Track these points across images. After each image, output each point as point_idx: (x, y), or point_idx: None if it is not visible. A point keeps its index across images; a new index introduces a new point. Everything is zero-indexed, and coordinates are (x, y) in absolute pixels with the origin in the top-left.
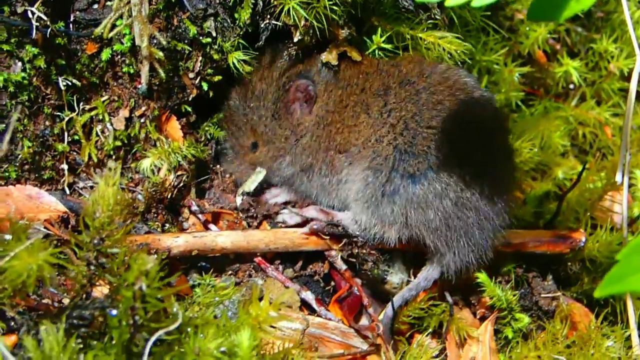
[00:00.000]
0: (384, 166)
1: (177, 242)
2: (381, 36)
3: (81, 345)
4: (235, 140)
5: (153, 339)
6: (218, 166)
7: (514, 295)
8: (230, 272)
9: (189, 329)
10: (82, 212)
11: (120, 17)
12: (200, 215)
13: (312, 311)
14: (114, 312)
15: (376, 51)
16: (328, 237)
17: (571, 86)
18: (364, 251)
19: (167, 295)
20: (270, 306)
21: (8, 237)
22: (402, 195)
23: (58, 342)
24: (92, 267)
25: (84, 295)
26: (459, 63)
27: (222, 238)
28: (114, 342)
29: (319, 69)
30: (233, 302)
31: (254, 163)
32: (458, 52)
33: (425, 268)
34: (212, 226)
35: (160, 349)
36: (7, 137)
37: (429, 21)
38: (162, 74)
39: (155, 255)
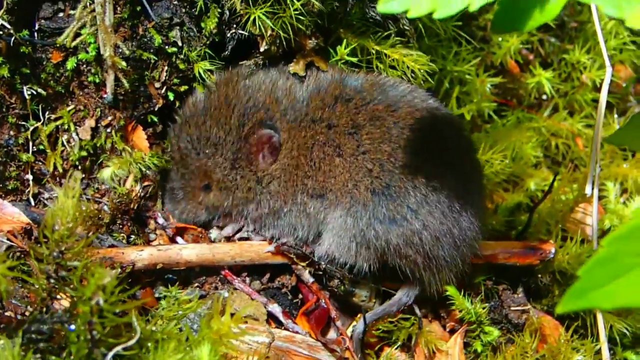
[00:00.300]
0: (362, 213)
1: (141, 255)
2: (345, 48)
3: None
4: (185, 181)
5: (111, 354)
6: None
7: (484, 309)
8: (196, 284)
9: (149, 344)
10: (41, 224)
11: (84, 25)
12: (167, 229)
13: (280, 324)
14: (72, 326)
15: (339, 63)
16: (294, 257)
17: (544, 97)
18: (331, 267)
19: (127, 309)
20: (232, 320)
21: None
22: (380, 238)
23: (14, 356)
24: (52, 280)
25: (44, 309)
26: (422, 82)
27: (187, 251)
28: (72, 357)
29: (282, 113)
30: (198, 315)
31: (207, 205)
32: (422, 71)
33: (405, 285)
34: (178, 239)
35: None
36: None
37: (397, 37)
38: (126, 84)
39: (114, 270)
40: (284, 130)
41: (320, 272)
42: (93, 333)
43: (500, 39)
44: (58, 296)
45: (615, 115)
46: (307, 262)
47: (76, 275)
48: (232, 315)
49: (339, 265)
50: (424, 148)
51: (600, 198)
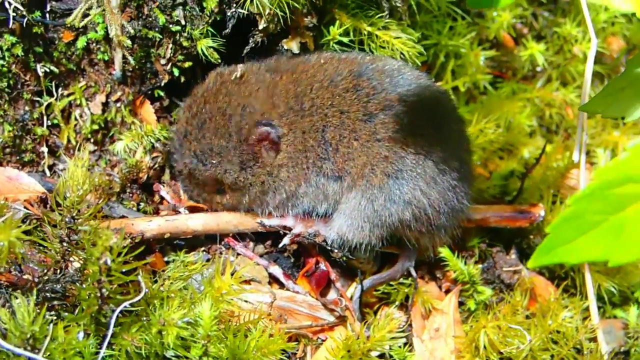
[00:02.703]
0: (378, 195)
1: (150, 226)
2: (339, 28)
3: (55, 317)
4: (200, 190)
5: (118, 310)
6: None
7: (477, 269)
8: (202, 249)
9: (155, 301)
10: (54, 192)
11: (91, 7)
12: (169, 199)
13: (282, 285)
14: (84, 285)
15: (331, 43)
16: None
17: (538, 69)
18: (342, 251)
19: (135, 270)
20: (233, 278)
21: None
22: (394, 217)
23: (29, 313)
24: (65, 244)
25: (58, 271)
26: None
27: (193, 221)
28: (83, 313)
29: (279, 113)
30: (203, 276)
31: (226, 205)
32: (410, 53)
33: (405, 251)
34: (182, 209)
35: (128, 320)
36: None
37: (390, 19)
38: (132, 62)
39: (119, 232)
40: (283, 124)
41: (324, 243)
42: (102, 291)
43: (494, 14)
44: (71, 259)
45: None
46: (318, 248)
47: (86, 239)
48: (232, 274)
49: (351, 245)
50: (431, 132)
51: (592, 164)
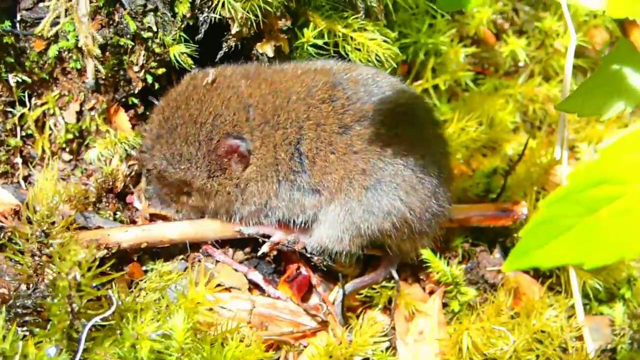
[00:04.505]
0: (356, 208)
1: (126, 236)
2: (313, 31)
3: (27, 333)
4: (168, 190)
5: (89, 325)
6: None
7: (460, 270)
8: (181, 257)
9: (129, 314)
10: (23, 206)
11: (60, 15)
12: (138, 206)
13: (263, 292)
14: (55, 300)
15: (305, 46)
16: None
17: (521, 64)
18: (321, 258)
19: (110, 282)
20: (207, 288)
21: None
22: (373, 228)
23: None
24: (37, 258)
25: (30, 285)
26: (384, 64)
27: (170, 230)
28: (55, 329)
29: (251, 124)
30: (179, 286)
31: (193, 207)
32: (386, 55)
33: (387, 255)
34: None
35: (101, 334)
36: None
37: (365, 19)
38: (103, 71)
39: (88, 247)
40: (256, 137)
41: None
42: (73, 306)
43: (474, 10)
44: (45, 272)
45: None
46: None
47: (57, 252)
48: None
49: (331, 253)
50: (408, 140)
51: (577, 159)
